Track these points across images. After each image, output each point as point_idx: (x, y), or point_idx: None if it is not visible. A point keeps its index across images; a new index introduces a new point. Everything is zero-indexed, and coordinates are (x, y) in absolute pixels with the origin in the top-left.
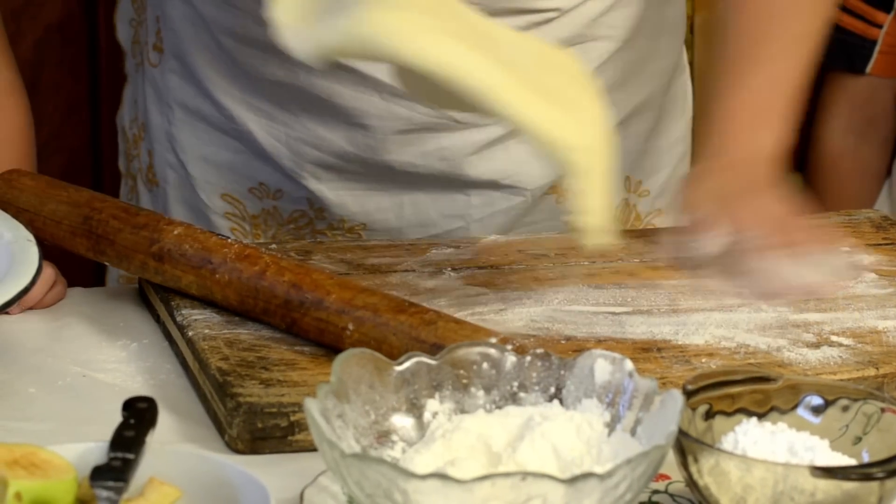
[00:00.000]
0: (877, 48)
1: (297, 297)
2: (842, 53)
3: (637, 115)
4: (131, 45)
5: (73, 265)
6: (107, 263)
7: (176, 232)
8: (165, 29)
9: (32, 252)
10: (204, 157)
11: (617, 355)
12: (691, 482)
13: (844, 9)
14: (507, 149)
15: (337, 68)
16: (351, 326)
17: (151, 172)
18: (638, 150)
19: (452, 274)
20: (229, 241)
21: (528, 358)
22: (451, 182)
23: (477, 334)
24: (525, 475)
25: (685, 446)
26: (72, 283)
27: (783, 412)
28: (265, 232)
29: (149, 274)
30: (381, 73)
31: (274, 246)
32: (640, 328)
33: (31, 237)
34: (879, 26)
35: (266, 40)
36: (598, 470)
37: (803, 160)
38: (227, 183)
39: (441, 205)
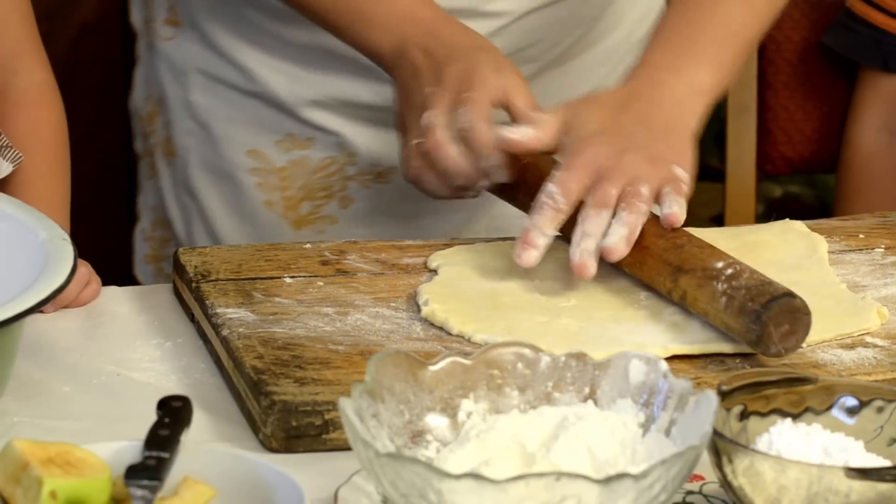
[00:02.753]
0: None
1: None
2: (876, 52)
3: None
4: (143, 27)
5: (108, 264)
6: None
7: None
8: (181, 3)
9: (67, 250)
10: (227, 117)
11: (651, 356)
12: (725, 483)
13: (878, 7)
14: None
15: None
16: None
17: (170, 144)
18: None
19: None
20: None
21: (563, 358)
22: None
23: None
24: (559, 475)
25: (719, 447)
26: (106, 281)
27: (818, 413)
28: (293, 184)
29: None
30: None
31: (308, 245)
32: None
33: (66, 236)
34: None
35: (288, 8)
36: (633, 470)
37: (836, 160)
38: (252, 138)
39: None
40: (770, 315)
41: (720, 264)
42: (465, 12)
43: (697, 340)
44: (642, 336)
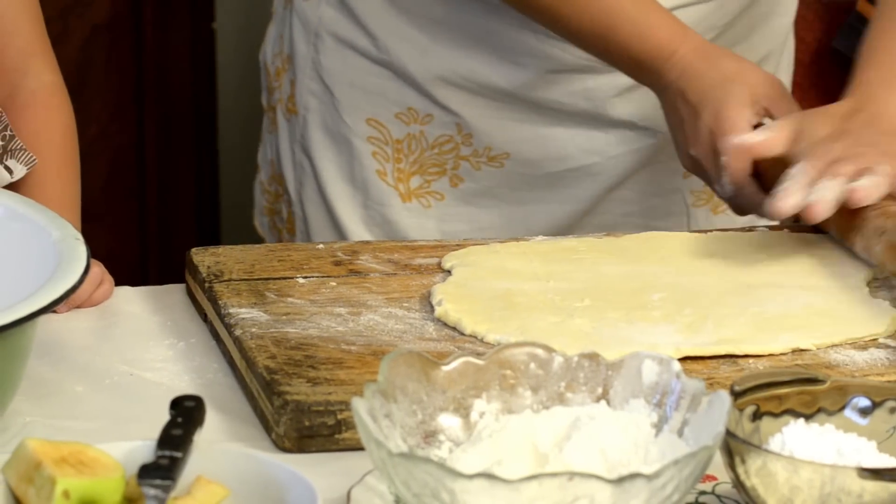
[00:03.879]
0: None
1: None
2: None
3: (762, 65)
4: None
5: (120, 264)
6: None
7: None
8: None
9: (80, 250)
10: (351, 83)
11: (664, 356)
12: (738, 483)
13: None
14: (647, 92)
15: (497, 7)
16: None
17: (292, 102)
18: None
19: None
20: None
21: (576, 359)
22: (592, 120)
23: None
24: (572, 475)
25: (732, 447)
26: (119, 281)
27: (830, 413)
28: (407, 157)
29: None
30: None
31: (321, 245)
32: None
33: (79, 235)
34: None
35: None
36: (646, 470)
37: None
38: (373, 107)
39: (579, 141)
40: None
41: None
42: None
43: (710, 342)
44: (655, 336)
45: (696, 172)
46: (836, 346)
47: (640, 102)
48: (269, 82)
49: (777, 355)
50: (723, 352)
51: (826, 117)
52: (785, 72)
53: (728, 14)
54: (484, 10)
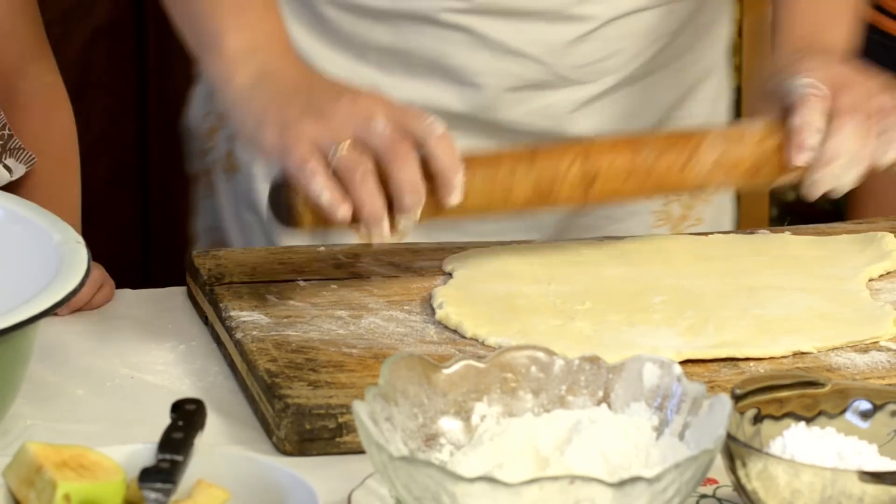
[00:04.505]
0: None
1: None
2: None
3: (706, 80)
4: None
5: (121, 267)
6: None
7: None
8: None
9: (81, 253)
10: None
11: (665, 359)
12: (739, 486)
13: (889, 14)
14: (603, 106)
15: (449, 29)
16: None
17: (231, 158)
18: (706, 114)
19: None
20: None
21: (577, 362)
22: (551, 138)
23: None
24: (573, 479)
25: (733, 450)
26: (119, 284)
27: (831, 417)
28: None
29: None
30: (494, 30)
31: (322, 248)
32: None
33: (80, 238)
34: None
35: (373, 6)
36: (647, 474)
37: None
38: None
39: None
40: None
41: None
42: (554, 14)
43: (711, 344)
44: (656, 339)
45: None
46: (837, 349)
47: (598, 116)
48: (201, 145)
49: (778, 358)
50: (723, 355)
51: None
52: (727, 82)
53: (677, 21)
54: (436, 34)
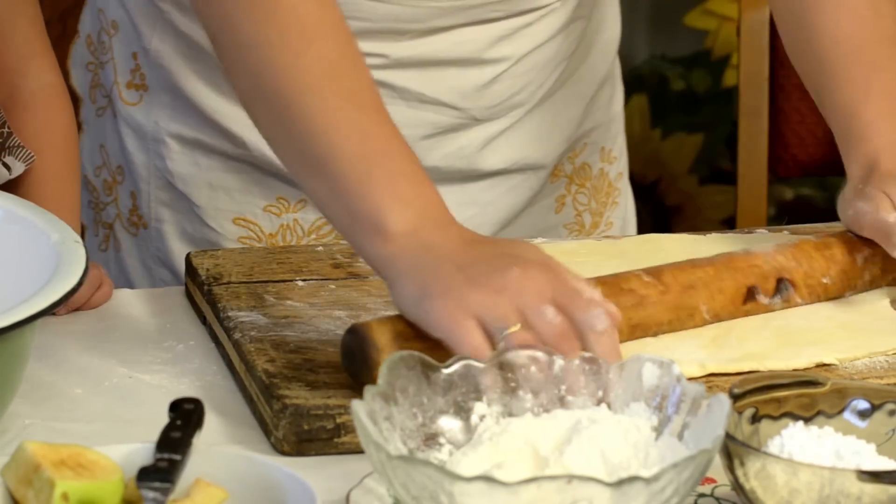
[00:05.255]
0: None
1: None
2: None
3: (602, 85)
4: (89, 91)
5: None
6: None
7: None
8: (149, 65)
9: (79, 253)
10: (209, 185)
11: (665, 359)
12: (737, 486)
13: None
14: (509, 137)
15: None
16: None
17: (136, 215)
18: (607, 118)
19: None
20: None
21: (577, 362)
22: (467, 176)
23: None
24: (571, 478)
25: (731, 450)
26: (117, 284)
27: (829, 416)
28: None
29: None
30: (410, 81)
31: (320, 248)
32: None
33: (78, 238)
34: None
35: None
36: (644, 474)
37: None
38: (238, 206)
39: (456, 196)
40: None
41: None
42: (467, 61)
43: (734, 357)
44: (680, 352)
45: None
46: (858, 359)
47: (507, 149)
48: (96, 198)
49: (801, 370)
50: (747, 368)
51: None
52: (619, 80)
53: (572, 42)
54: None
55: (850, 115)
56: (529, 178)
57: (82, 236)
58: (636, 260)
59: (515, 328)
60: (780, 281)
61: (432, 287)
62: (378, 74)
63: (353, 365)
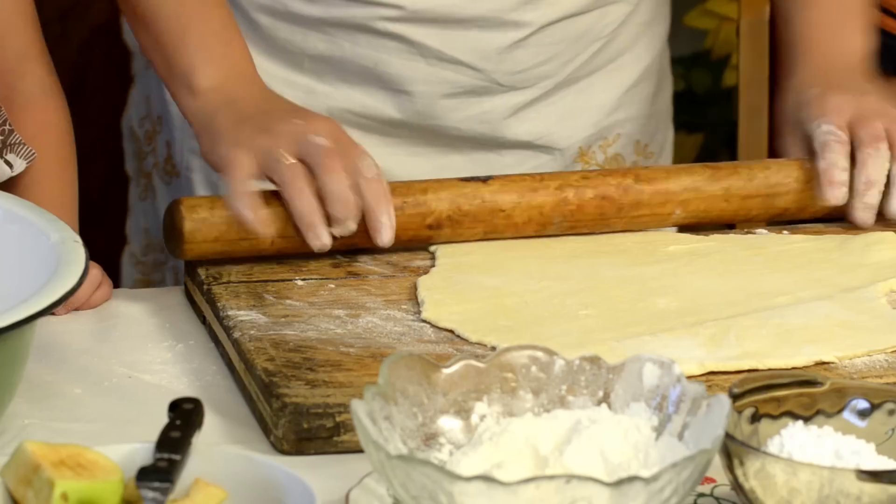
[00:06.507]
0: None
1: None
2: (887, 57)
3: (643, 79)
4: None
5: (119, 266)
6: None
7: None
8: None
9: (79, 253)
10: None
11: (665, 359)
12: (737, 485)
13: (889, 13)
14: (539, 110)
15: (383, 37)
16: None
17: (170, 164)
18: (645, 113)
19: None
20: None
21: (577, 362)
22: (489, 143)
23: None
24: (570, 478)
25: (731, 449)
26: (117, 283)
27: (829, 416)
28: None
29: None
30: (428, 38)
31: None
32: None
33: (78, 238)
34: None
35: (307, 14)
36: (644, 474)
37: None
38: None
39: (478, 167)
40: None
41: None
42: (489, 21)
43: (733, 356)
44: (678, 351)
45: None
46: (858, 357)
47: (533, 121)
48: (138, 148)
49: (800, 369)
50: (746, 367)
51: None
52: (668, 79)
53: (612, 23)
54: (371, 42)
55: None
56: (554, 161)
57: (126, 187)
58: (636, 260)
59: (286, 155)
60: None
61: (224, 136)
62: (394, 27)
63: (170, 241)
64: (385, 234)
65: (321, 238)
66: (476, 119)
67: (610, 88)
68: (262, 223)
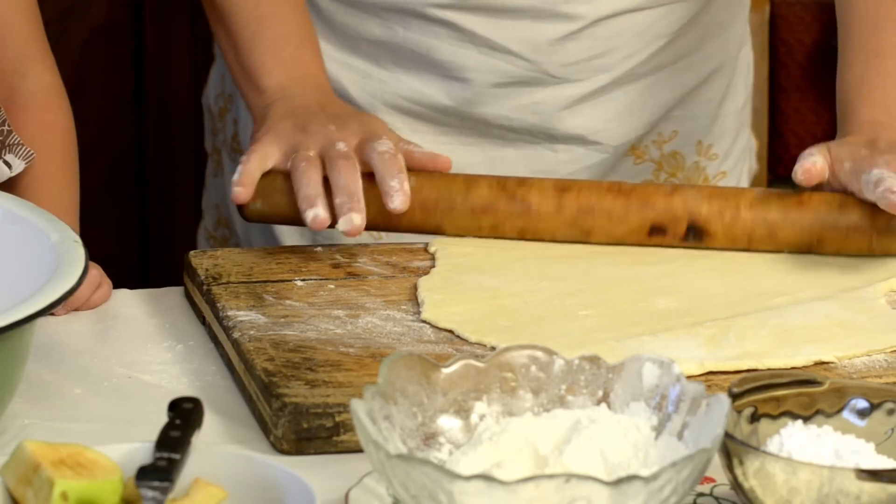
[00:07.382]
0: None
1: None
2: None
3: (711, 80)
4: None
5: (119, 266)
6: None
7: None
8: None
9: (78, 253)
10: None
11: (665, 359)
12: (736, 485)
13: None
14: (596, 105)
15: (435, 24)
16: None
17: (236, 141)
18: (710, 114)
19: None
20: None
21: (576, 361)
22: (541, 136)
23: None
24: (569, 477)
25: (730, 449)
26: (116, 284)
27: (828, 415)
28: None
29: None
30: (479, 26)
31: (319, 248)
32: None
33: (78, 238)
34: None
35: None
36: (643, 473)
37: None
38: None
39: (530, 161)
40: None
41: None
42: (541, 12)
43: (733, 356)
44: (678, 351)
45: None
46: (857, 357)
47: (589, 115)
48: (213, 124)
49: (800, 369)
50: (745, 367)
51: (852, 145)
52: (743, 83)
53: (677, 21)
54: (423, 28)
55: (845, 102)
56: (606, 156)
57: (204, 164)
58: (636, 260)
59: (306, 153)
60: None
61: (266, 125)
62: (445, 14)
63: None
64: (396, 199)
65: (316, 208)
66: (527, 109)
67: (674, 87)
68: (245, 191)
